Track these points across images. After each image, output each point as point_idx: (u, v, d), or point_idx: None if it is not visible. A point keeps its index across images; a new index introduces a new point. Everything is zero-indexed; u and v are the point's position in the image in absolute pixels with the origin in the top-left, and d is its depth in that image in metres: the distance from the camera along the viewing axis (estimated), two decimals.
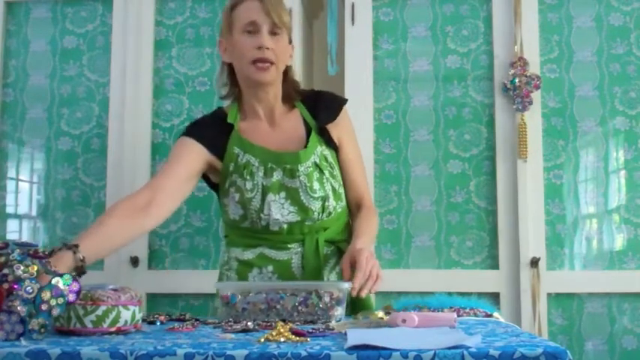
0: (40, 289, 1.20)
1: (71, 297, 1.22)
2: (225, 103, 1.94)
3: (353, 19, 2.53)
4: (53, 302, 1.20)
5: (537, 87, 2.42)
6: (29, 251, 1.28)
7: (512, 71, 2.43)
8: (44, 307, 1.19)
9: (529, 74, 2.42)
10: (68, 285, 1.22)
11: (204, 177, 1.87)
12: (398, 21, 2.55)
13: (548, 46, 2.49)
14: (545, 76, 2.46)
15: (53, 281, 1.21)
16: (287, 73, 1.83)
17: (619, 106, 2.46)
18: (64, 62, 2.64)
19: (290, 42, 1.81)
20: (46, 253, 1.33)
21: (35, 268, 1.23)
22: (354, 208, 1.88)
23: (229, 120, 1.80)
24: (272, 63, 1.73)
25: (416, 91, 2.52)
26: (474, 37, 2.52)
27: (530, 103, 2.41)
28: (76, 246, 1.42)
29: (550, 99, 2.47)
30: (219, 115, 1.84)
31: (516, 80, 2.42)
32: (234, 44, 1.76)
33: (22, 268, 1.22)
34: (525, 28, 2.46)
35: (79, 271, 1.40)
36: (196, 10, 2.62)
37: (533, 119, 2.43)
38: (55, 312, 1.20)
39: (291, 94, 1.85)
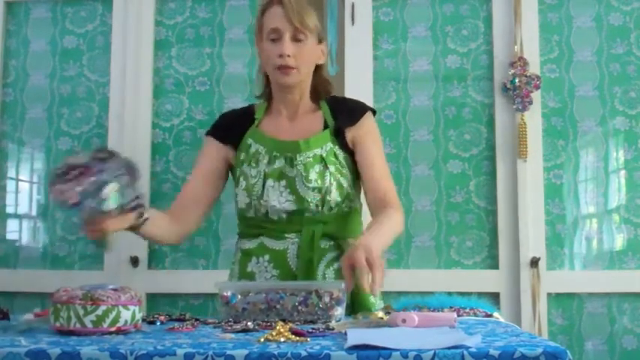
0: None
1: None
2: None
3: (353, 19, 2.53)
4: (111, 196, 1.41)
5: (537, 87, 2.42)
6: (130, 180, 1.47)
7: (512, 71, 2.43)
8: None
9: (529, 74, 2.42)
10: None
11: (231, 171, 1.93)
12: (398, 21, 2.55)
13: (548, 46, 2.49)
14: (545, 76, 2.46)
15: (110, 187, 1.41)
16: (318, 71, 1.87)
17: (619, 106, 2.46)
18: (64, 62, 2.64)
19: (320, 42, 1.84)
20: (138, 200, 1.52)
21: (116, 187, 1.43)
22: (377, 210, 1.76)
23: (256, 116, 1.88)
24: (294, 68, 1.78)
25: (416, 91, 2.52)
26: (474, 37, 2.52)
27: (530, 103, 2.41)
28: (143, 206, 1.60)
29: (550, 99, 2.47)
30: (248, 111, 1.92)
31: (516, 80, 2.42)
32: (262, 49, 1.83)
33: (112, 180, 1.42)
34: (525, 28, 2.46)
35: (132, 227, 1.61)
36: (196, 10, 2.62)
37: (533, 119, 2.43)
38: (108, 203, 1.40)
39: (319, 92, 1.89)
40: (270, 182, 1.76)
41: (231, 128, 1.88)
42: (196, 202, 1.85)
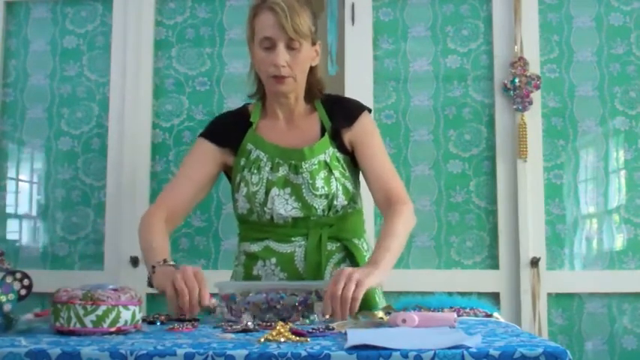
0: None
1: (23, 292, 1.29)
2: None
3: (353, 19, 2.53)
4: (3, 299, 1.26)
5: (537, 87, 2.42)
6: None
7: (513, 71, 2.43)
8: None
9: (529, 74, 2.42)
10: (19, 281, 1.29)
11: (225, 173, 1.90)
12: (398, 21, 2.55)
13: (548, 46, 2.49)
14: (545, 76, 2.46)
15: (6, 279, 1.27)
16: (312, 71, 1.82)
17: (619, 106, 2.46)
18: (64, 62, 2.64)
19: (314, 43, 1.78)
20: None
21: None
22: (383, 205, 1.77)
23: (252, 119, 1.84)
24: (290, 77, 1.74)
25: (416, 91, 2.52)
26: (473, 37, 2.52)
27: (530, 103, 2.41)
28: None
29: (550, 99, 2.47)
30: (243, 113, 1.88)
31: (516, 80, 2.42)
32: (254, 54, 1.78)
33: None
34: (525, 28, 2.46)
35: None
36: (196, 10, 2.62)
37: (533, 119, 2.43)
38: (7, 308, 1.27)
39: (313, 92, 1.85)
40: (275, 191, 1.74)
41: (229, 132, 1.84)
42: (188, 205, 1.84)
